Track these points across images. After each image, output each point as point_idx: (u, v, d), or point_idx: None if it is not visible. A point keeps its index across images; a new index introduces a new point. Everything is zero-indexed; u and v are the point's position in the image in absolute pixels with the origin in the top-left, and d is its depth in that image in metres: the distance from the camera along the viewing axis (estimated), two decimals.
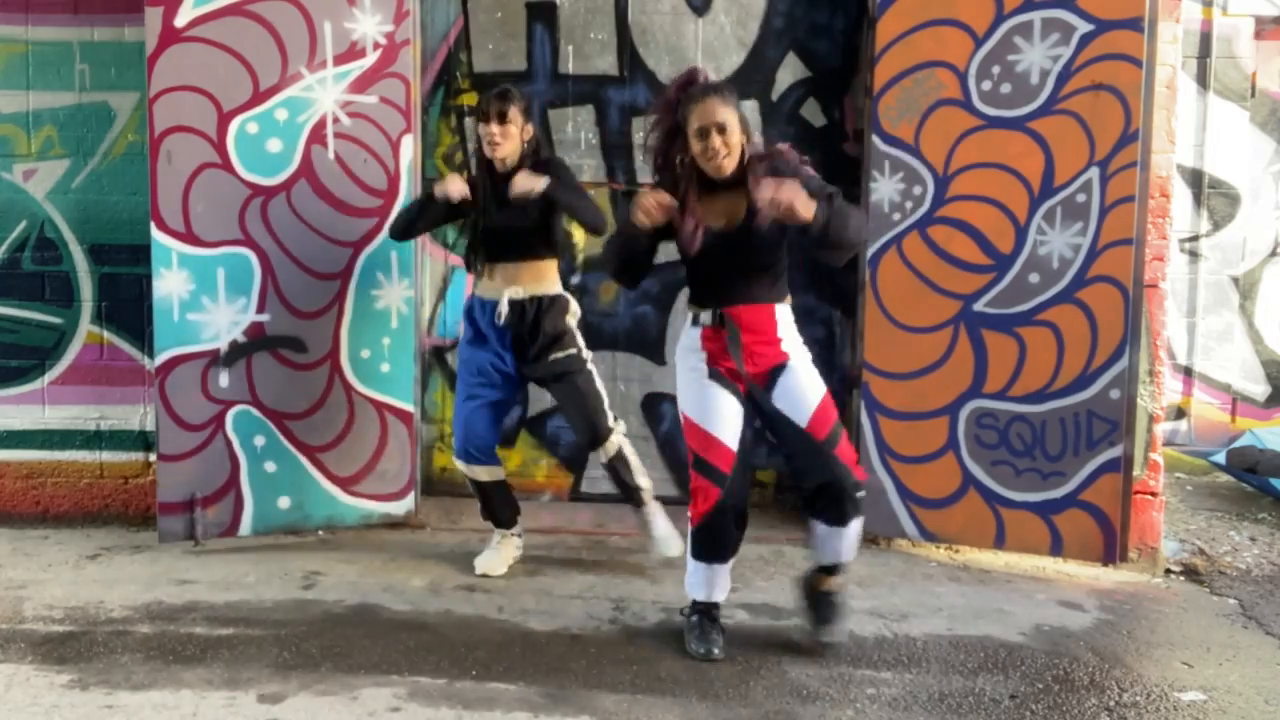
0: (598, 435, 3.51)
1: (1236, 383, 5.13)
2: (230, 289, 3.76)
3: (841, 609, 2.98)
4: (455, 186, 3.35)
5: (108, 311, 4.18)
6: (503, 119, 3.35)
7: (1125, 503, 3.54)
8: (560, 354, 3.45)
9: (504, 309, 3.40)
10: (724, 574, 2.94)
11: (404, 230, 3.53)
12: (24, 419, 4.20)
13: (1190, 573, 3.67)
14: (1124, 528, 3.54)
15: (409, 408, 3.96)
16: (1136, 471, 3.62)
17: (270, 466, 3.83)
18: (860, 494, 2.78)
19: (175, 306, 3.71)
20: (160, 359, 3.71)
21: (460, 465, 3.55)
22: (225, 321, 3.76)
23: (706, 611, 2.95)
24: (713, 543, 2.86)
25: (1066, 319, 3.57)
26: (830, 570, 2.94)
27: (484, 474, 3.54)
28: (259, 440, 3.81)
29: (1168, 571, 3.68)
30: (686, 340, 2.95)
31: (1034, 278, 3.61)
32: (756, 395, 2.85)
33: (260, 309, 3.79)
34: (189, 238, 3.70)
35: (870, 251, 3.81)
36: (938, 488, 3.76)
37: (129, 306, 4.16)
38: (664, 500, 3.88)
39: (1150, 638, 3.10)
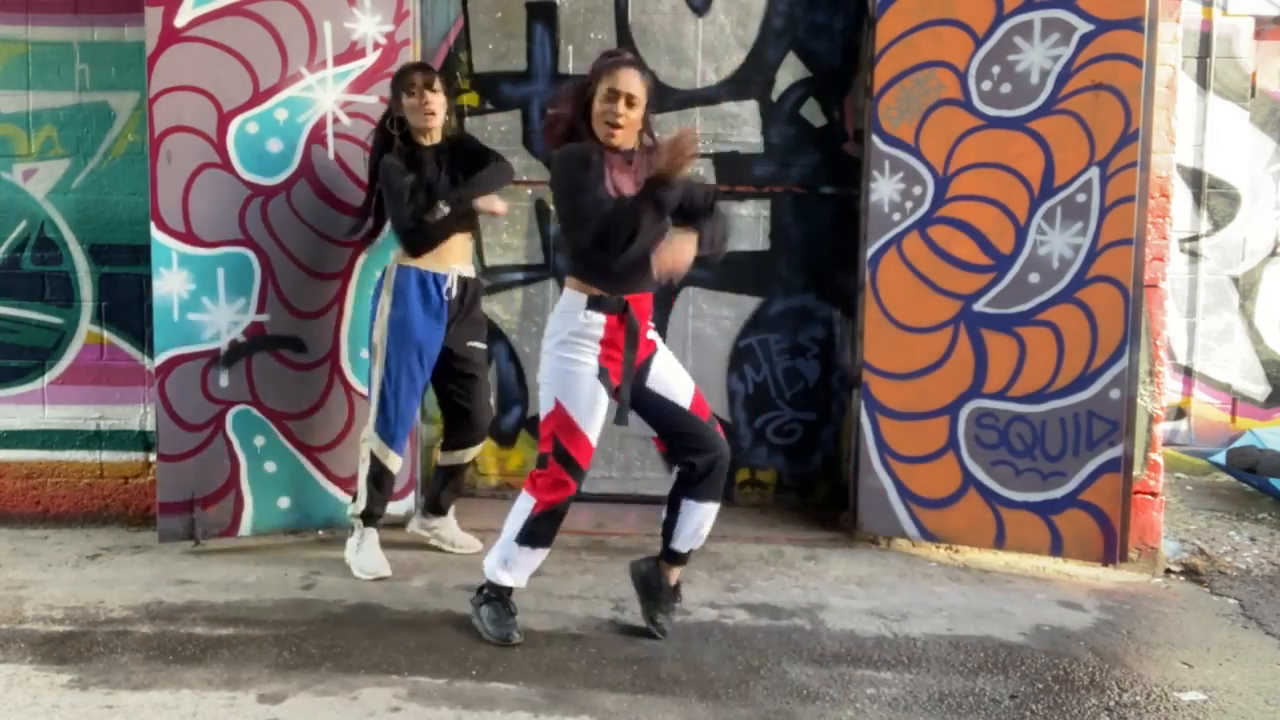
0: (481, 434, 3.68)
1: (1236, 383, 5.12)
2: (230, 289, 3.76)
3: (679, 594, 3.09)
4: None
5: (108, 311, 4.17)
6: (434, 86, 3.42)
7: (1125, 503, 3.54)
8: (479, 344, 3.61)
9: (453, 285, 3.46)
10: (540, 560, 2.98)
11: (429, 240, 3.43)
12: (24, 419, 4.20)
13: (1190, 573, 3.67)
14: (1124, 528, 3.54)
15: None
16: (1136, 471, 3.62)
17: (270, 466, 3.83)
18: None
19: (175, 306, 3.70)
20: (160, 359, 3.70)
21: (386, 451, 3.47)
22: (225, 321, 3.76)
23: (500, 595, 2.98)
24: (549, 531, 2.93)
25: (1066, 319, 3.57)
26: (680, 559, 3.03)
27: (398, 463, 3.53)
28: (259, 440, 3.81)
29: (1168, 571, 3.68)
30: (576, 325, 2.81)
31: (1034, 278, 3.61)
32: (629, 384, 2.87)
33: (260, 309, 3.79)
34: (189, 238, 3.70)
35: (870, 251, 3.82)
36: (938, 488, 3.76)
37: (129, 306, 4.15)
38: (657, 500, 3.88)
39: (1150, 638, 3.10)
